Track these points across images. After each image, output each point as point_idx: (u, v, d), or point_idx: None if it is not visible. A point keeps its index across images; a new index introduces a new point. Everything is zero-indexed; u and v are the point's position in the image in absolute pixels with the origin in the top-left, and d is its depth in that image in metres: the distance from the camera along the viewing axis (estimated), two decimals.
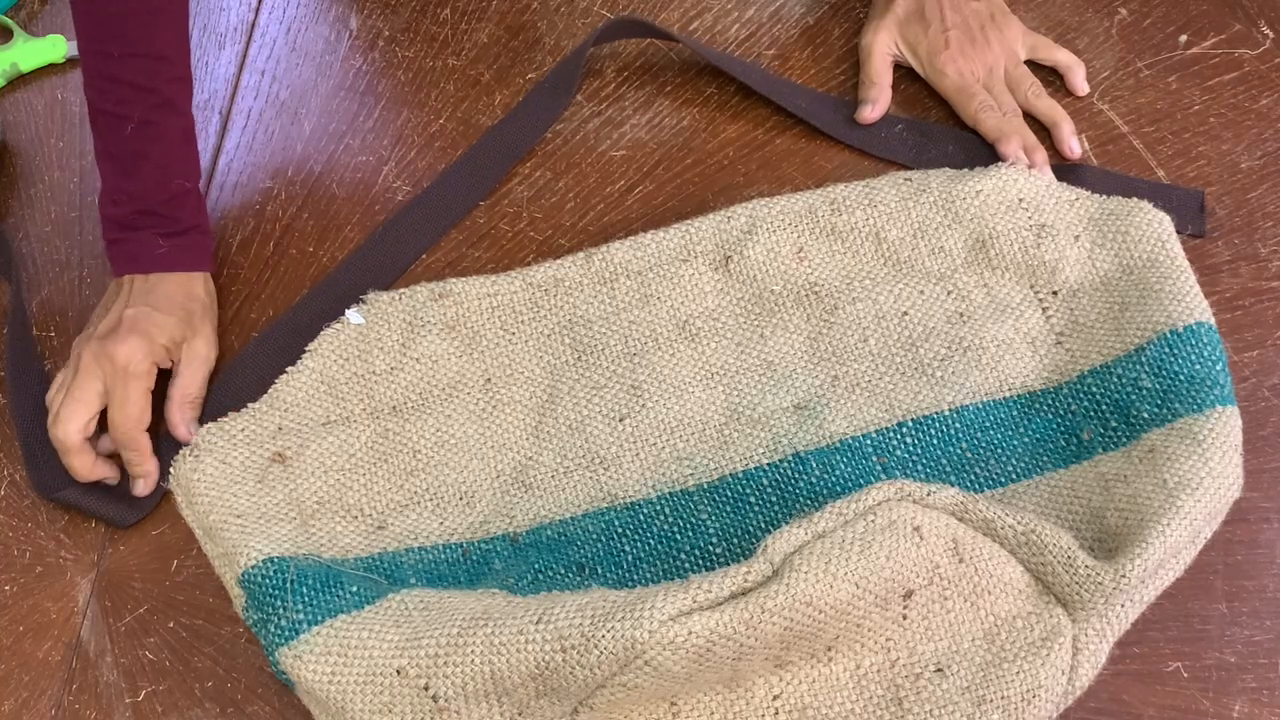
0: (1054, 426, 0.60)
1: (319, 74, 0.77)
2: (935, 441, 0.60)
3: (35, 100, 0.78)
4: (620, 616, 0.47)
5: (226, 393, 0.64)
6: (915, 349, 0.63)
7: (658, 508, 0.59)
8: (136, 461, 0.61)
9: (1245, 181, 0.69)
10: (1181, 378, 0.57)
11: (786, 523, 0.50)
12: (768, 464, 0.60)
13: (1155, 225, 0.63)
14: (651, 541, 0.59)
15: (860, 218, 0.66)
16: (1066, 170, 0.69)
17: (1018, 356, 0.62)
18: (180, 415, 0.62)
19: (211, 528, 0.58)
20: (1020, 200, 0.66)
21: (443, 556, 0.58)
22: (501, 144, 0.73)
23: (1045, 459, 0.59)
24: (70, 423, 0.59)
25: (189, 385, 0.63)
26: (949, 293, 0.64)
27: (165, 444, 0.62)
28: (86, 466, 0.61)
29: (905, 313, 0.64)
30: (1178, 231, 0.64)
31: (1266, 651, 0.56)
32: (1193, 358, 0.58)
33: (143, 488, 0.62)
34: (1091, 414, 0.59)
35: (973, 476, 0.59)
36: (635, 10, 0.79)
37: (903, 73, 0.74)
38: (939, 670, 0.51)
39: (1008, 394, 0.61)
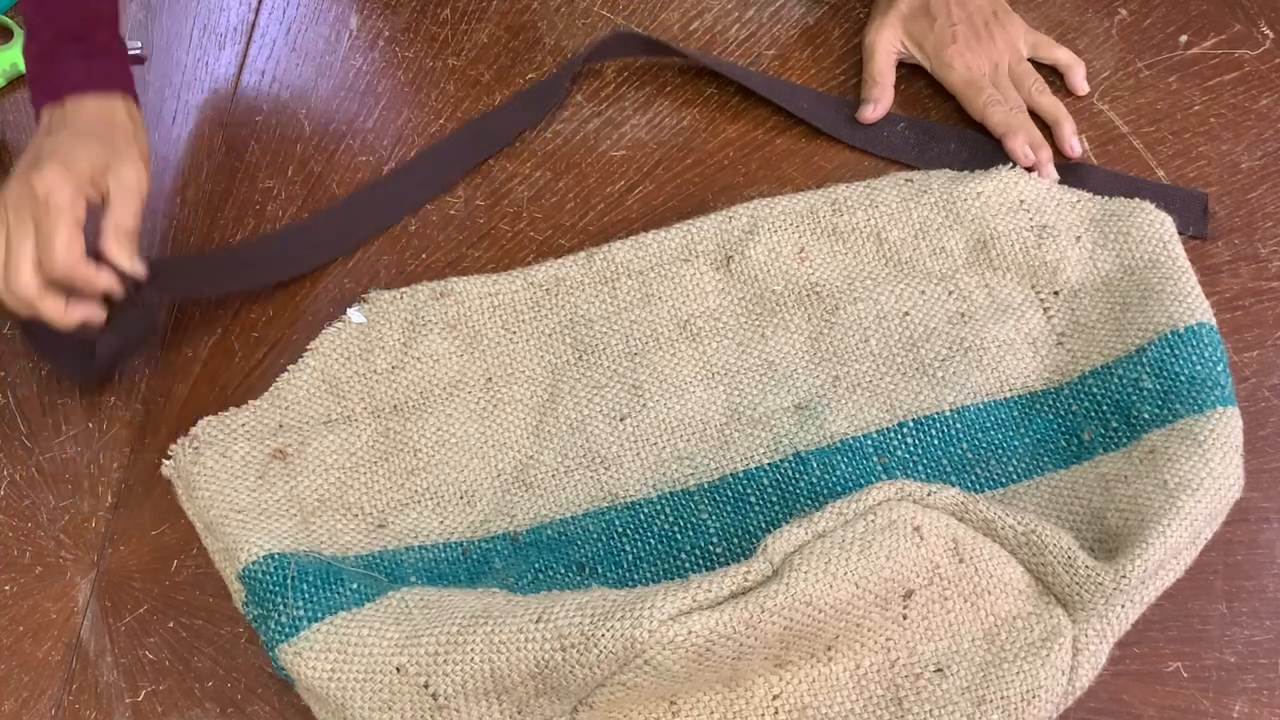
0: (1055, 427, 0.60)
1: (319, 74, 0.77)
2: (936, 442, 0.60)
3: None
4: (620, 616, 0.47)
5: (160, 280, 0.62)
6: (916, 349, 0.63)
7: (658, 507, 0.59)
8: (89, 285, 0.58)
9: (1245, 182, 0.69)
10: (1182, 378, 0.57)
11: (787, 522, 0.50)
12: (768, 464, 0.60)
13: (1157, 226, 0.63)
14: (652, 541, 0.59)
15: (861, 218, 0.66)
16: (1071, 170, 0.69)
17: (1019, 357, 0.62)
18: (118, 247, 0.58)
19: (212, 522, 0.58)
20: (1021, 202, 0.66)
21: (443, 555, 0.58)
22: (477, 135, 0.73)
23: (1046, 459, 0.59)
24: (20, 273, 0.56)
25: (122, 216, 0.59)
26: (950, 293, 0.64)
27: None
28: (59, 310, 0.57)
29: (906, 313, 0.64)
30: (1180, 233, 0.64)
31: (1266, 651, 0.56)
32: (1194, 358, 0.58)
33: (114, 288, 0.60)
34: (1092, 414, 0.59)
35: (973, 477, 0.59)
36: (635, 11, 0.79)
37: (904, 72, 0.74)
38: (939, 670, 0.51)
39: (1009, 394, 0.61)
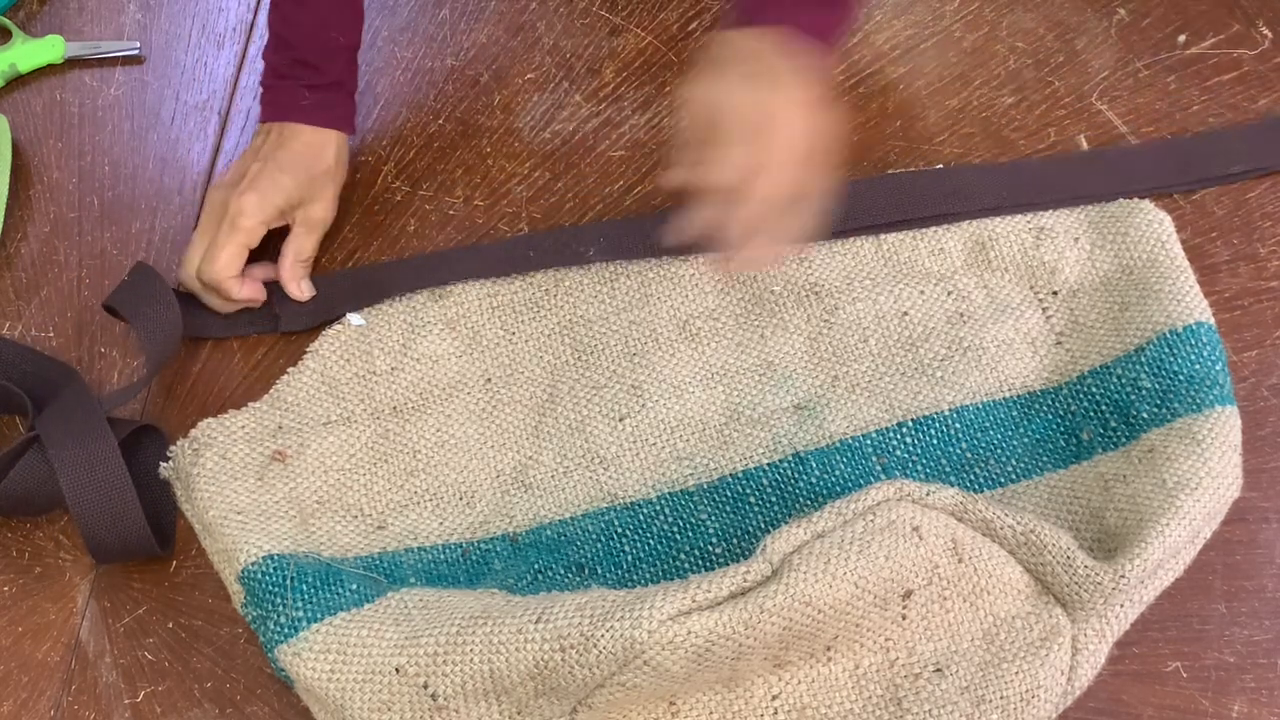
0: (1054, 427, 0.60)
1: None
2: (935, 442, 0.60)
3: (34, 101, 0.78)
4: (619, 616, 0.47)
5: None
6: (915, 349, 0.63)
7: (657, 508, 0.59)
8: (229, 296, 0.65)
9: (1245, 181, 0.69)
10: (1181, 378, 0.57)
11: (786, 523, 0.50)
12: (768, 464, 0.60)
13: (1155, 225, 0.63)
14: (651, 541, 0.59)
15: None
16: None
17: (1018, 357, 0.62)
18: (291, 274, 0.66)
19: (211, 523, 0.58)
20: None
21: (442, 556, 0.58)
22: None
23: (1045, 459, 0.59)
24: (186, 267, 0.65)
25: (302, 247, 0.66)
26: (949, 293, 0.64)
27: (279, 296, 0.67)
28: (216, 303, 0.66)
29: (905, 313, 0.64)
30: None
31: (1266, 651, 0.56)
32: (1192, 358, 0.58)
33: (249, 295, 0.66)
34: (1091, 414, 0.59)
35: (972, 477, 0.59)
36: (634, 11, 0.79)
37: None
38: (938, 670, 0.51)
39: (1008, 394, 0.61)
